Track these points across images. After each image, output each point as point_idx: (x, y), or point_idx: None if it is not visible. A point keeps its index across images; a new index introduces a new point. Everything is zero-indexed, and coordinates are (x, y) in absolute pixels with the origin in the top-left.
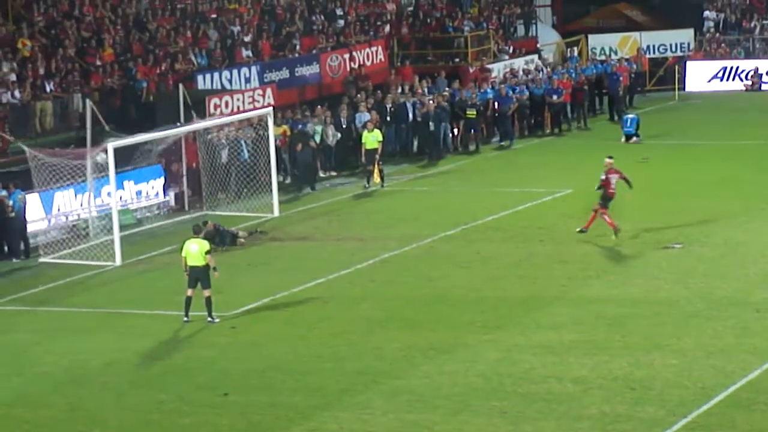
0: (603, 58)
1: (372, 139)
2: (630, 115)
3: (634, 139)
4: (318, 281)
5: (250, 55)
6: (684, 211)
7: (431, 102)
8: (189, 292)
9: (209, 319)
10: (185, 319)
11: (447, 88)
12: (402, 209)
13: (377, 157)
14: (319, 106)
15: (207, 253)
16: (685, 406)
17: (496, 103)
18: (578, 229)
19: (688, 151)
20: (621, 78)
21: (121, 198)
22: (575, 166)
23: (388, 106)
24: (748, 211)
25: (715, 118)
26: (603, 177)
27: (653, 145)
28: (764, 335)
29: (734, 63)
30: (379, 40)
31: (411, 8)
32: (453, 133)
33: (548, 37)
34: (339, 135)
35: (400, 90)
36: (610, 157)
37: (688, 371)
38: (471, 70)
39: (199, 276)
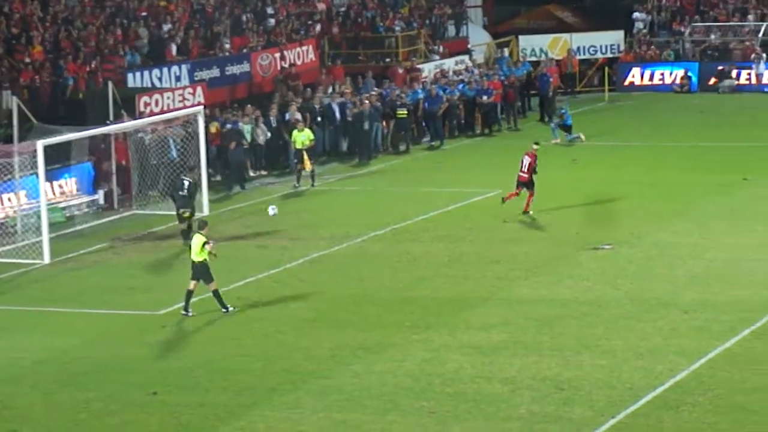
0: (534, 59)
1: (302, 138)
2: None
3: (575, 136)
4: (247, 281)
5: (180, 53)
6: (613, 212)
7: (366, 102)
8: (191, 284)
9: (223, 310)
10: (185, 313)
11: (375, 88)
12: (332, 209)
13: (308, 155)
14: (249, 105)
15: (202, 246)
16: (614, 406)
17: (426, 103)
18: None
19: (618, 152)
20: (551, 79)
21: (50, 195)
22: (505, 166)
23: (317, 106)
24: (677, 213)
25: (644, 119)
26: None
27: (583, 147)
28: (692, 336)
29: (664, 64)
30: (309, 39)
31: (344, 8)
32: (383, 132)
33: (479, 37)
34: (269, 134)
35: (330, 89)
36: (536, 144)
37: (616, 372)
38: (400, 71)
39: (197, 271)
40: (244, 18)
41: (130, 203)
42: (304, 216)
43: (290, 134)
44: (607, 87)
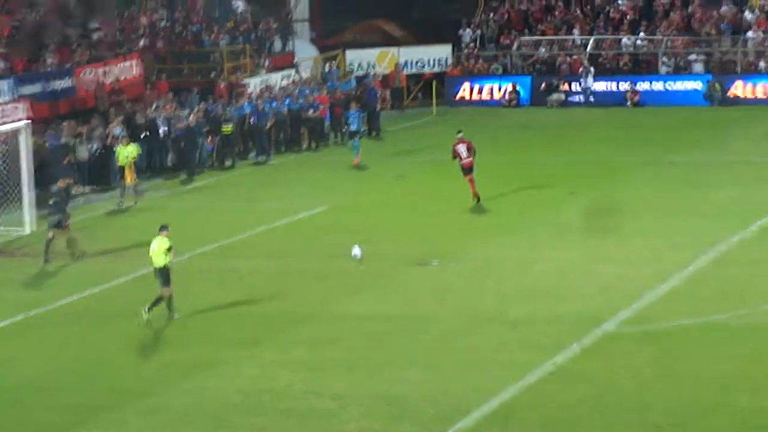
0: (361, 73)
1: (126, 153)
2: (353, 111)
3: (356, 145)
4: (72, 298)
5: (3, 67)
6: (440, 227)
7: (193, 117)
8: (164, 291)
9: (169, 315)
10: (145, 312)
11: (202, 102)
12: (157, 225)
13: (131, 170)
14: (68, 122)
15: (167, 251)
16: (442, 421)
17: (252, 118)
18: (475, 201)
19: (443, 168)
20: (379, 94)
21: None
22: (332, 182)
23: (141, 121)
24: (504, 228)
25: (472, 134)
26: (452, 148)
27: (408, 162)
28: (520, 351)
29: (493, 78)
30: (134, 53)
31: (164, 22)
32: (208, 148)
33: (306, 51)
34: (92, 150)
35: (155, 105)
36: (459, 132)
37: (444, 387)
38: (222, 85)
39: (159, 277)
40: (68, 32)
41: None
42: (129, 233)
43: (114, 150)
44: (435, 101)
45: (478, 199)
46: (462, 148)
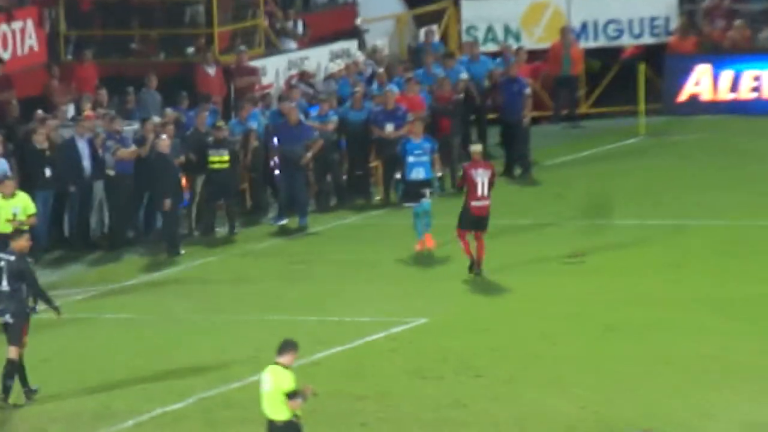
0: (494, 48)
1: (12, 210)
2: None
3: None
4: None
5: None
6: (663, 365)
7: (165, 137)
8: None
9: None
10: None
11: (170, 108)
12: (80, 357)
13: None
14: None
15: (289, 396)
16: None
17: (275, 139)
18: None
19: (660, 238)
20: (526, 90)
21: None
22: (432, 270)
23: (43, 144)
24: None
25: (719, 173)
26: (464, 172)
27: (589, 228)
28: None
29: (762, 58)
30: (29, 7)
31: None
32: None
33: (380, 4)
34: None
35: (73, 110)
36: (478, 144)
37: None
38: (209, 72)
39: None
40: None
41: None
42: (31, 372)
43: None
44: (643, 103)
45: (479, 266)
46: (481, 176)
